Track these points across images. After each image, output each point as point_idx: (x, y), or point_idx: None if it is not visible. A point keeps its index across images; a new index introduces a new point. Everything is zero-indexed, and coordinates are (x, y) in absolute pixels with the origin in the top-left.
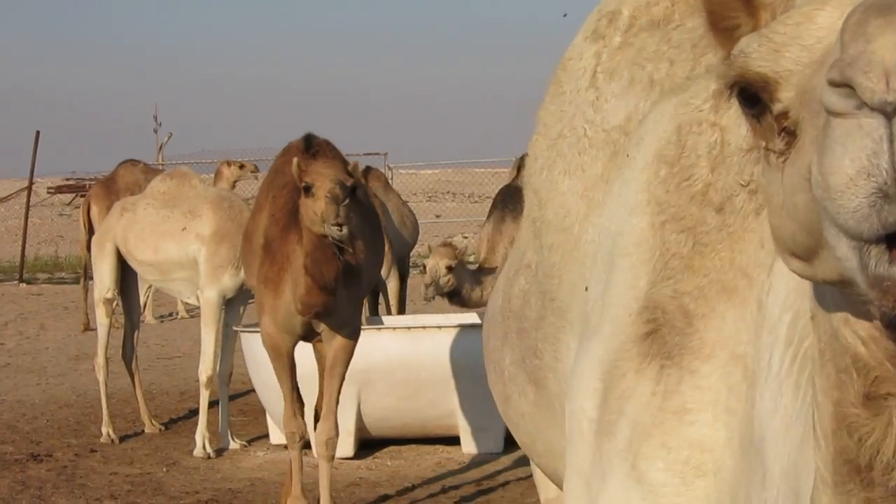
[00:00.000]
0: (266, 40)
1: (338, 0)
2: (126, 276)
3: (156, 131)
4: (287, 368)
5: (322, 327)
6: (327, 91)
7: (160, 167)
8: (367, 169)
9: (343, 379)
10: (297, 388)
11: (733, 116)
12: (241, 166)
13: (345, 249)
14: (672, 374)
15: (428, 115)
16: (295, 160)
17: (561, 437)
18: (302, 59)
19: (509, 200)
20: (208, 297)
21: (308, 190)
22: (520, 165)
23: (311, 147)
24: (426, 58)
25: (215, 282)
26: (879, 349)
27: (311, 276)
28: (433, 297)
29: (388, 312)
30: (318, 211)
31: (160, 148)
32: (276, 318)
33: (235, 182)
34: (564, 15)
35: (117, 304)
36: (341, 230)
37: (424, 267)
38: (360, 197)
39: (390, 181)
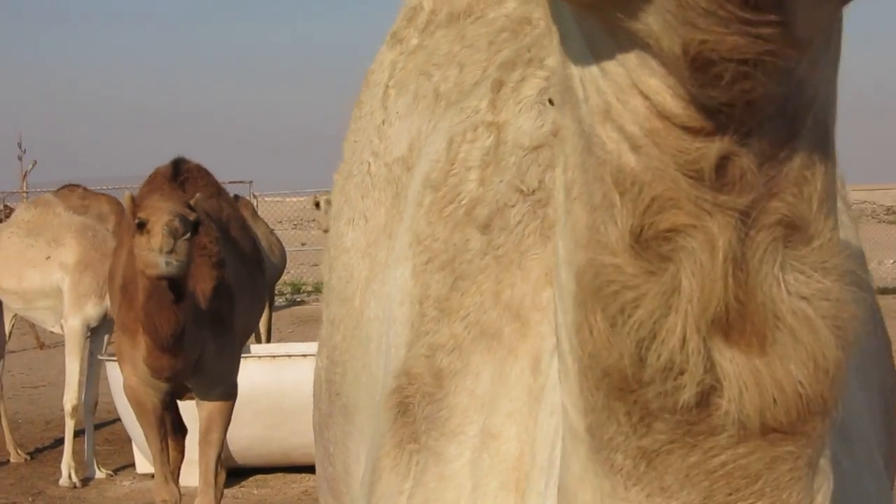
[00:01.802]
0: (134, 66)
1: (205, 28)
2: None
3: (20, 158)
4: (155, 426)
5: (192, 384)
6: (193, 118)
7: (24, 195)
8: (236, 197)
9: (221, 446)
10: (168, 448)
11: (513, 106)
12: None
13: (182, 295)
14: (420, 462)
15: (293, 143)
16: (127, 194)
17: None
18: (169, 87)
19: None
20: (72, 326)
21: (142, 226)
22: None
23: (180, 174)
24: (292, 86)
25: (79, 311)
26: (664, 150)
27: (147, 333)
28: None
29: (258, 340)
30: (154, 246)
31: (24, 175)
32: (136, 370)
33: None
34: None
35: None
36: (171, 263)
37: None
38: (236, 235)
39: (256, 209)
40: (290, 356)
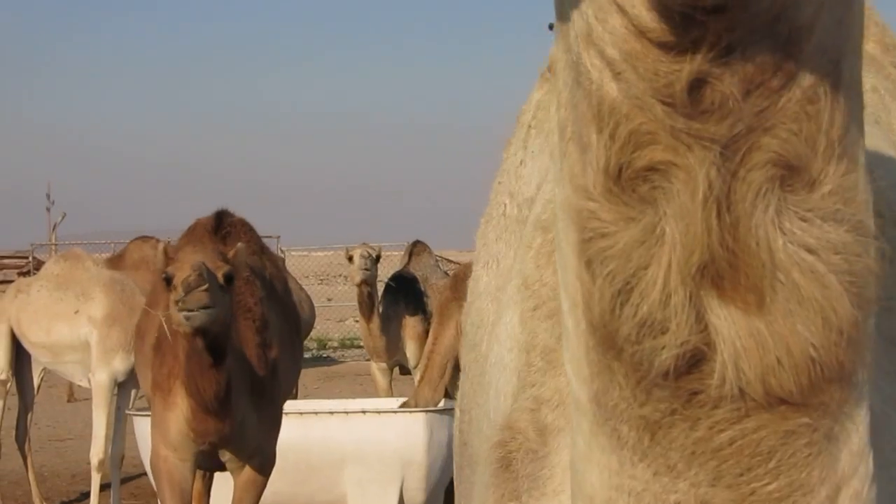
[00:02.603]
0: (162, 121)
1: (234, 85)
2: (20, 357)
3: (48, 210)
4: (178, 497)
5: (227, 455)
6: (221, 173)
7: (53, 247)
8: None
9: None
10: None
11: None
12: None
13: (222, 354)
14: None
15: (321, 198)
16: (161, 245)
17: None
18: (197, 142)
19: (400, 288)
20: (99, 380)
21: (169, 282)
22: (411, 251)
23: (223, 227)
24: (320, 142)
25: (106, 365)
26: (642, 76)
27: (190, 395)
28: (369, 272)
29: None
30: (175, 301)
31: (53, 228)
32: (168, 436)
33: None
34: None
35: (11, 385)
36: (191, 317)
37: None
38: (280, 295)
39: (285, 264)
40: (316, 413)
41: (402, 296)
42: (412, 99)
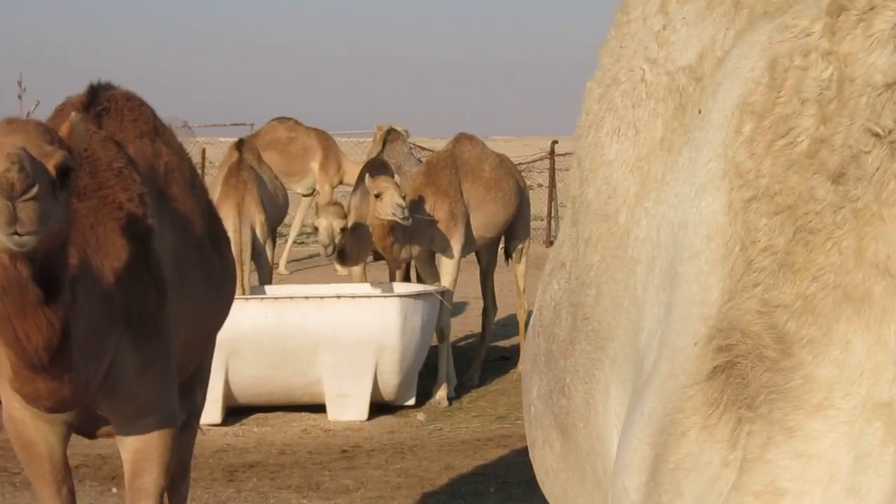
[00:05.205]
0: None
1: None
2: None
3: (20, 97)
4: (52, 480)
5: (105, 410)
6: (188, 57)
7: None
8: (241, 142)
9: (160, 494)
10: None
11: (862, 39)
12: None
13: (58, 285)
14: (756, 433)
15: (290, 83)
16: None
17: None
18: (175, 42)
19: (375, 173)
20: None
21: None
22: (385, 139)
23: (98, 103)
24: (287, 24)
25: None
26: None
27: (9, 346)
28: (334, 254)
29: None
30: None
31: (28, 116)
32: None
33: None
34: None
35: None
36: (21, 241)
37: (316, 229)
38: (177, 193)
39: (260, 153)
40: (291, 298)
41: None
42: None
